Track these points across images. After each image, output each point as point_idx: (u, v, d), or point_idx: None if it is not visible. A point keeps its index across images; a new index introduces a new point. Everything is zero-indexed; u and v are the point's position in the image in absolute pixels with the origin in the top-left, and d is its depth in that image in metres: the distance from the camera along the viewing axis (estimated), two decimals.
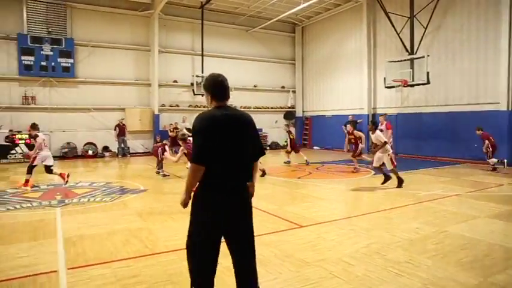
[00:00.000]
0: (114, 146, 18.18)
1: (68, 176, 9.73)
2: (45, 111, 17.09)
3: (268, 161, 15.19)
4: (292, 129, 16.04)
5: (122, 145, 17.95)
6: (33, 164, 9.46)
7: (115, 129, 17.63)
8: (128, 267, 4.27)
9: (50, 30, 17.03)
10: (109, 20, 18.44)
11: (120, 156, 17.77)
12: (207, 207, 2.74)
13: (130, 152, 18.49)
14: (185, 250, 2.93)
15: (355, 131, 12.60)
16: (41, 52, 16.69)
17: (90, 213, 6.94)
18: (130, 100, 19.06)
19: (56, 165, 11.23)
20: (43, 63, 16.76)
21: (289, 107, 23.96)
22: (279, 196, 8.58)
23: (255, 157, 3.02)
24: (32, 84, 16.94)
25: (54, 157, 16.62)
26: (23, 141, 15.77)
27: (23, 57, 16.43)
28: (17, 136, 15.80)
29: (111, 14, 18.43)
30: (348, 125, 13.28)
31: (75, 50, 17.49)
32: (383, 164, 9.33)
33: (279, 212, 6.85)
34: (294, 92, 24.14)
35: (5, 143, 15.44)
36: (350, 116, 17.91)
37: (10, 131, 15.85)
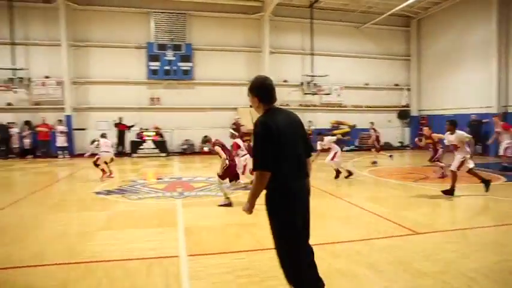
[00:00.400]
0: (228, 144, 19.22)
1: (106, 176, 10.82)
2: (168, 111, 18.94)
3: (384, 162, 14.45)
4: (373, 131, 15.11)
5: None
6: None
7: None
8: (241, 259, 4.48)
9: (172, 37, 18.82)
10: (222, 24, 19.60)
11: None
12: (288, 207, 2.84)
13: None
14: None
15: (434, 134, 11.29)
16: (165, 58, 18.58)
17: (206, 206, 7.46)
18: (242, 100, 19.94)
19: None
20: (166, 67, 18.63)
21: (403, 106, 22.45)
22: (392, 199, 8.10)
23: (307, 155, 3.07)
24: (157, 87, 18.97)
25: (175, 153, 18.35)
26: (150, 138, 17.72)
27: (150, 63, 18.52)
28: (144, 133, 17.83)
29: (224, 19, 19.57)
30: (424, 128, 11.97)
31: (193, 54, 19.03)
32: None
33: (392, 216, 6.46)
34: (408, 89, 22.54)
35: (136, 139, 17.53)
36: (473, 116, 16.08)
37: (140, 129, 17.95)
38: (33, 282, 3.91)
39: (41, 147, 17.53)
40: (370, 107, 21.66)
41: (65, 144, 17.26)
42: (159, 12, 18.80)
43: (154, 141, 17.76)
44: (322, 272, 3.17)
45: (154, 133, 17.96)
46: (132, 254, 4.65)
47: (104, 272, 4.11)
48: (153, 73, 18.63)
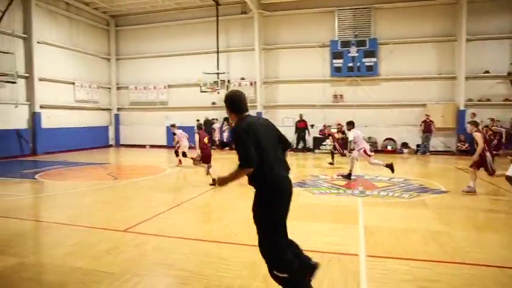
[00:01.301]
0: (413, 143, 17.91)
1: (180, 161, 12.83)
2: (350, 108, 18.82)
3: None
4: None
5: (425, 143, 17.35)
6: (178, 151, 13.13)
7: (420, 125, 17.30)
8: (426, 269, 4.08)
9: (356, 33, 18.56)
10: (409, 14, 18.14)
11: (419, 153, 17.32)
12: (279, 200, 3.34)
13: (430, 150, 17.63)
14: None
15: (476, 133, 7.53)
16: (348, 54, 18.48)
17: (389, 207, 7.09)
18: (431, 95, 18.15)
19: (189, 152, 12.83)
20: (350, 64, 18.50)
21: None
22: None
23: (285, 149, 3.63)
24: (340, 84, 19.07)
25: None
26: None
27: (334, 61, 18.75)
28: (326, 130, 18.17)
29: (411, 8, 18.06)
30: (469, 125, 8.59)
31: (378, 49, 18.31)
32: None
33: None
34: None
35: (319, 136, 18.07)
36: None
37: (324, 126, 18.40)
38: (226, 256, 4.51)
39: None
40: None
41: None
42: (344, 9, 18.79)
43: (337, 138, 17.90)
44: None
45: (336, 130, 18.13)
46: (315, 246, 4.79)
47: None
48: (336, 70, 18.81)
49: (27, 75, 17.17)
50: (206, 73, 19.96)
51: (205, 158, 9.71)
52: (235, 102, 3.45)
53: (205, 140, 9.76)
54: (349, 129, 10.50)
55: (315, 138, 18.49)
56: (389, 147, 18.05)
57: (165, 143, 21.51)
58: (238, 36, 20.59)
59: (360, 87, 18.87)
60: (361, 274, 3.97)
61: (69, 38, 20.05)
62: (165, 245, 4.94)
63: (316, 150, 18.14)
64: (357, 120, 18.48)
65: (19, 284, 3.85)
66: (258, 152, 3.17)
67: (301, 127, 18.79)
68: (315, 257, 4.41)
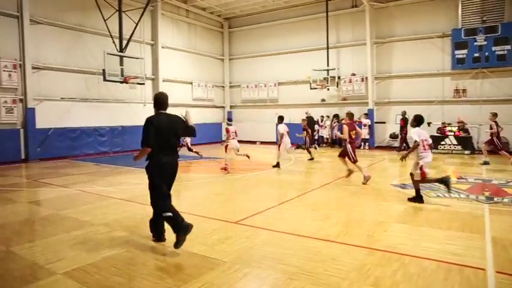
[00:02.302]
0: None
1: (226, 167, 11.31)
2: (475, 103, 16.83)
3: None
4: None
5: None
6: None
7: None
8: None
9: (484, 19, 16.47)
10: None
11: None
12: (157, 173, 4.74)
13: None
14: None
15: None
16: (474, 43, 16.48)
17: None
18: None
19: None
20: (476, 54, 16.50)
21: None
22: None
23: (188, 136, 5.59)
24: (463, 77, 17.16)
25: (481, 151, 16.15)
26: (452, 133, 16.32)
27: (456, 52, 16.91)
28: (447, 128, 16.57)
29: None
30: None
31: None
32: None
33: None
34: None
35: (437, 134, 16.57)
36: None
37: (442, 123, 16.84)
38: (335, 255, 4.43)
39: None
40: None
41: (367, 137, 18.45)
42: None
43: (457, 137, 16.23)
44: None
45: (457, 128, 16.43)
46: (429, 253, 4.45)
47: (399, 264, 4.13)
48: (458, 62, 16.94)
49: (153, 77, 19.33)
50: (316, 70, 19.94)
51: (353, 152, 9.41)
52: (156, 102, 4.90)
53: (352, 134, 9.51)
54: (413, 126, 7.49)
55: (431, 137, 16.91)
56: None
57: (274, 140, 22.06)
58: (348, 31, 20.05)
59: (488, 79, 16.70)
60: None
61: (188, 42, 21.92)
62: (274, 239, 5.07)
63: (434, 150, 16.61)
64: (483, 118, 16.49)
65: (146, 261, 4.34)
66: (155, 139, 4.60)
67: (402, 125, 17.39)
68: (428, 265, 4.11)
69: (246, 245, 4.87)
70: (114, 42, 15.47)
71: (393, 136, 18.45)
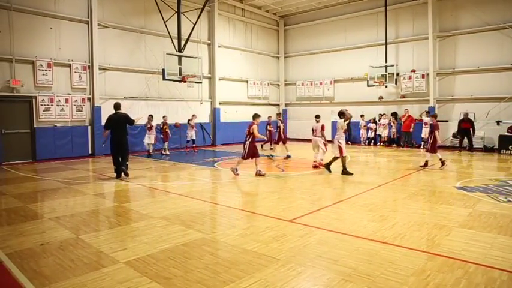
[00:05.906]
0: None
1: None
2: None
3: None
4: None
5: None
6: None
7: None
8: None
9: None
10: None
11: None
12: (111, 144, 10.13)
13: None
14: None
15: None
16: None
17: None
18: None
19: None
20: None
21: None
22: None
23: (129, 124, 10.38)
24: None
25: None
26: None
27: None
28: None
29: None
30: None
31: None
32: None
33: None
34: None
35: (508, 134, 15.36)
36: None
37: None
38: (392, 258, 4.26)
39: (404, 137, 18.73)
40: None
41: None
42: None
43: None
44: None
45: None
46: (499, 262, 4.12)
47: (463, 272, 3.88)
48: None
49: (209, 75, 19.83)
50: (373, 66, 19.32)
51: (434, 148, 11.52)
52: (114, 107, 10.13)
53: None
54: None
55: (501, 137, 15.75)
56: None
57: (330, 138, 21.68)
58: (409, 25, 19.15)
59: None
60: None
61: (244, 40, 22.19)
62: (329, 239, 5.00)
63: (503, 151, 15.43)
64: None
65: (202, 255, 4.47)
66: (110, 126, 9.93)
67: (465, 127, 16.18)
68: (497, 276, 3.79)
69: (300, 243, 4.84)
70: (173, 42, 16.11)
71: (456, 135, 17.36)
